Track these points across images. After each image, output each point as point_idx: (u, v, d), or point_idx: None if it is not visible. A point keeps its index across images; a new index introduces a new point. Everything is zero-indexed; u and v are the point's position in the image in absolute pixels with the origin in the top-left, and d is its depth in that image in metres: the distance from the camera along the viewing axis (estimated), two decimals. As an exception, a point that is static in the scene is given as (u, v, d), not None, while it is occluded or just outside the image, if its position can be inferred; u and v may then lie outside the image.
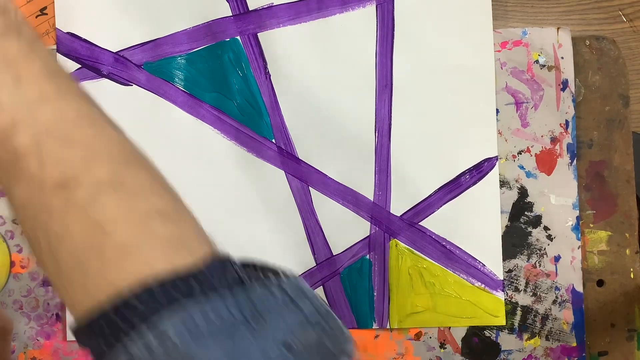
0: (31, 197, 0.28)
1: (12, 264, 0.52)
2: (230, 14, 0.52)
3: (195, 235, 0.29)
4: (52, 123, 0.28)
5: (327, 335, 0.27)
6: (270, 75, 0.52)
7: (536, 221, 0.53)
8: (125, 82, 0.52)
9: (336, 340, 0.27)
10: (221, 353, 0.25)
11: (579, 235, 0.53)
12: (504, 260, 0.52)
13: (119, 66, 0.52)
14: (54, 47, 0.52)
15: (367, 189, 0.52)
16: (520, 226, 0.53)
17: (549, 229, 0.53)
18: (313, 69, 0.52)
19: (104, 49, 0.52)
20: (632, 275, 0.53)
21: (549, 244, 0.53)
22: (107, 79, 0.52)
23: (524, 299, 0.52)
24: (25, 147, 0.27)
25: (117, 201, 0.27)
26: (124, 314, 0.25)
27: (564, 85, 0.53)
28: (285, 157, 0.52)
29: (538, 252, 0.53)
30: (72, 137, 0.28)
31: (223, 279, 0.27)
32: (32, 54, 0.29)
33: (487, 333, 0.52)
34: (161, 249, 0.27)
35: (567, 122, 0.53)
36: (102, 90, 0.52)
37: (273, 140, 0.52)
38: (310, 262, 0.52)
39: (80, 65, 0.52)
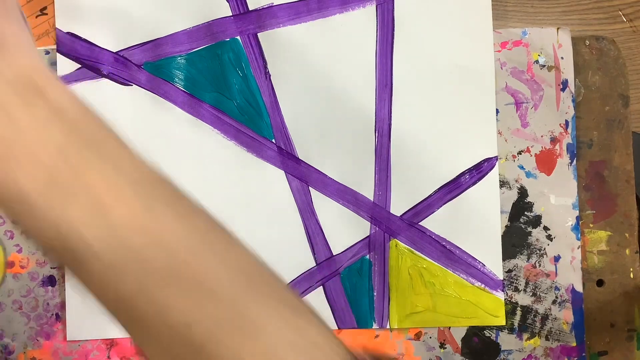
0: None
1: (8, 264, 0.52)
2: (230, 14, 0.52)
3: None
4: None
5: None
6: (270, 75, 0.52)
7: (536, 221, 0.53)
8: (125, 82, 0.52)
9: None
10: None
11: (579, 235, 0.53)
12: (503, 260, 0.52)
13: (119, 66, 0.52)
14: (54, 47, 0.52)
15: (367, 189, 0.52)
16: (520, 226, 0.53)
17: (549, 229, 0.53)
18: (313, 69, 0.52)
19: (104, 49, 0.52)
20: (632, 275, 0.53)
21: (548, 244, 0.53)
22: (107, 79, 0.52)
23: (523, 299, 0.52)
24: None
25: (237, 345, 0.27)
26: None
27: (564, 85, 0.53)
28: (285, 157, 0.52)
29: (538, 252, 0.53)
30: (193, 278, 0.27)
31: None
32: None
33: (487, 333, 0.52)
34: None
35: (567, 122, 0.53)
36: (102, 90, 0.52)
37: (273, 140, 0.52)
38: (310, 262, 0.52)
39: (80, 65, 0.52)
